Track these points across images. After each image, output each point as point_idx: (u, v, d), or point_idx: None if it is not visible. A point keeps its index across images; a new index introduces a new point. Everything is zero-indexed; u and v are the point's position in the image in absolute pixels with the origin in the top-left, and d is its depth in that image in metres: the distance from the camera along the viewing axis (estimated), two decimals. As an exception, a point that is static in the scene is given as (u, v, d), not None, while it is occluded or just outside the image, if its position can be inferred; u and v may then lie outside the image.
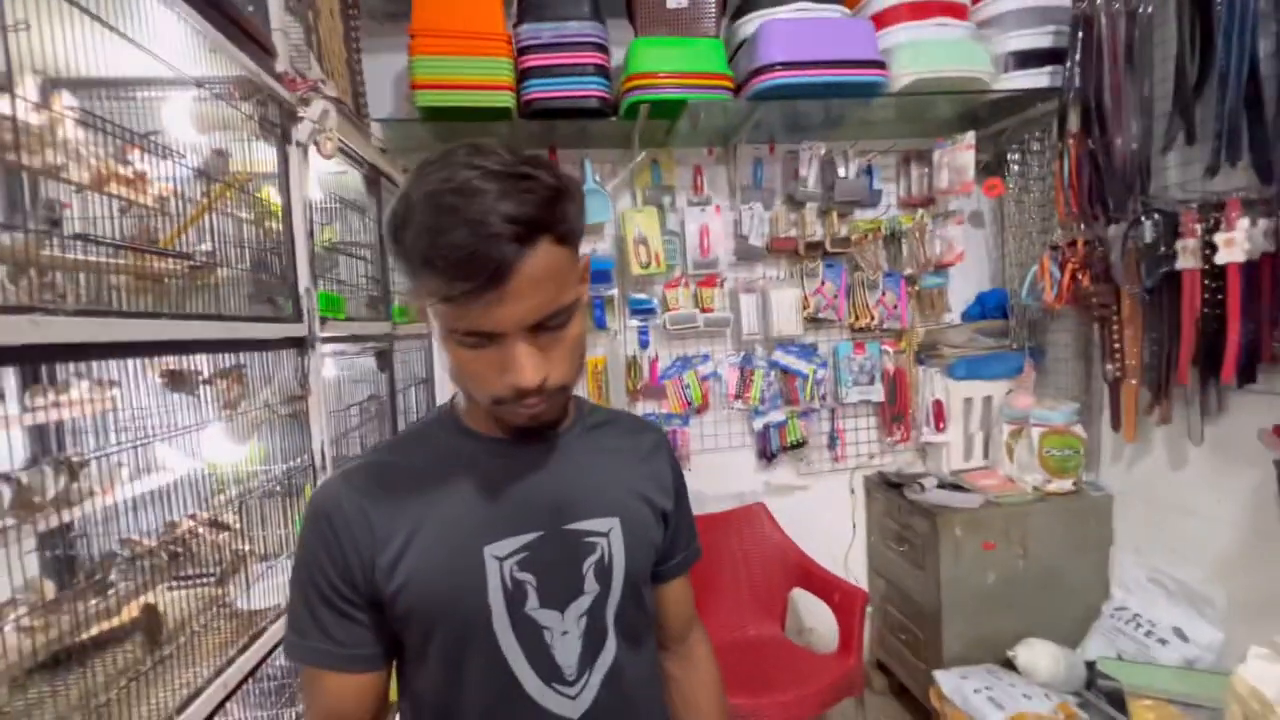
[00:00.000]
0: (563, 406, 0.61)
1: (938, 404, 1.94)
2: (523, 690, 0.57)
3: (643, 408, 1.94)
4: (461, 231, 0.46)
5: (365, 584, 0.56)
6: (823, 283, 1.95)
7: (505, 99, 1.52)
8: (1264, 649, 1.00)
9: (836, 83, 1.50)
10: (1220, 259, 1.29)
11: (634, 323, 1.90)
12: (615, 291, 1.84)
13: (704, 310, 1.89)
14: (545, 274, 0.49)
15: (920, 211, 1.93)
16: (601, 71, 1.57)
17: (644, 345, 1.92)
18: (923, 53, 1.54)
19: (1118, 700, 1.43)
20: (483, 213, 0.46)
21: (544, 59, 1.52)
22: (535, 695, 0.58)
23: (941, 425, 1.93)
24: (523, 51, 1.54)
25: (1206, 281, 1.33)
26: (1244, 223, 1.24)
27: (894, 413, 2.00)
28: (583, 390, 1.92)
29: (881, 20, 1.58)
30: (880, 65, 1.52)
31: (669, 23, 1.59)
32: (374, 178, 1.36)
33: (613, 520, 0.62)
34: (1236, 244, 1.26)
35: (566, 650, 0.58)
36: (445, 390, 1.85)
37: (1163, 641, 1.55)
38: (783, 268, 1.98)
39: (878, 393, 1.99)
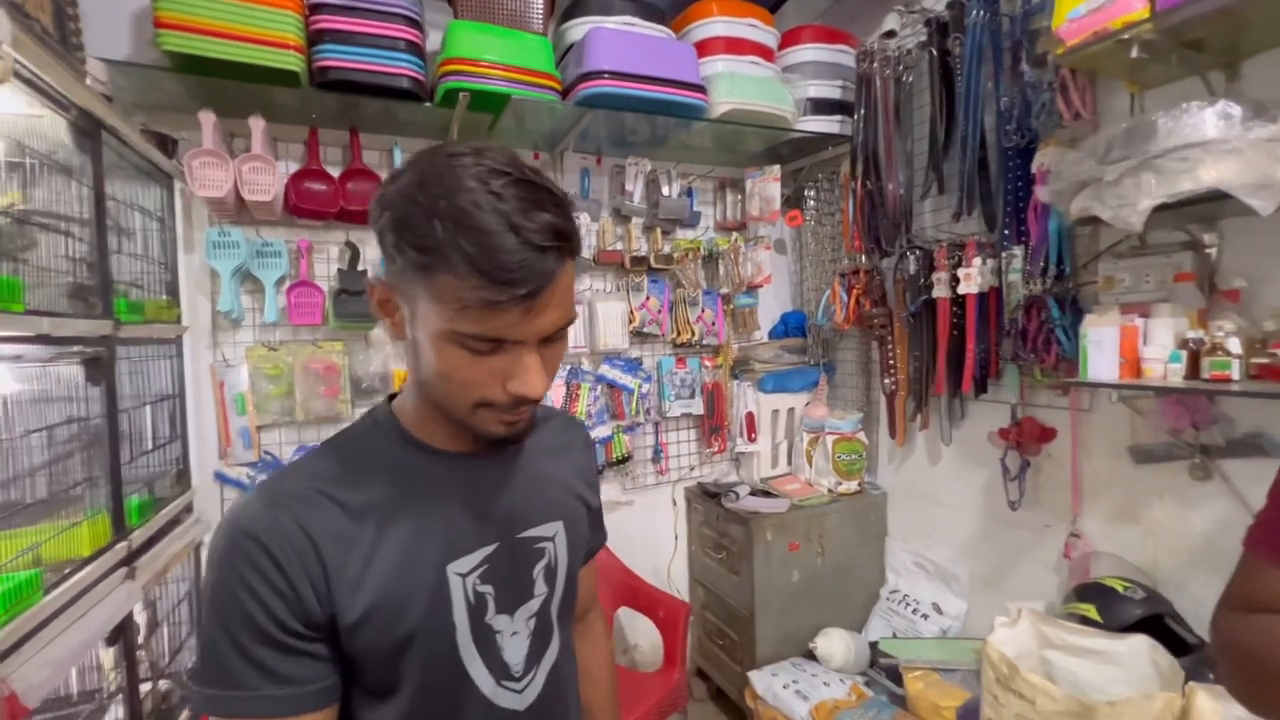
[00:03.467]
0: (531, 424, 0.60)
1: (749, 416, 2.06)
2: (478, 691, 0.58)
3: (459, 426, 1.76)
4: (510, 239, 0.46)
5: (320, 615, 0.51)
6: (647, 297, 1.98)
7: (292, 60, 1.28)
8: (1004, 618, 1.18)
9: (662, 100, 1.53)
10: (961, 290, 1.55)
11: (450, 332, 1.73)
12: (429, 297, 1.65)
13: (528, 321, 1.78)
14: (568, 289, 0.51)
15: (734, 235, 2.07)
16: (414, 50, 1.41)
17: (462, 357, 1.75)
18: (738, 85, 1.64)
19: (895, 675, 1.61)
20: (527, 222, 0.46)
21: (342, 23, 1.32)
22: (489, 695, 0.59)
23: (753, 436, 2.06)
24: (315, 10, 1.32)
25: (954, 308, 1.59)
26: (978, 261, 1.51)
27: (712, 425, 2.09)
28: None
29: (702, 49, 1.66)
30: (702, 90, 1.59)
31: (491, 12, 1.49)
32: (89, 129, 1.04)
33: (557, 524, 0.65)
34: (972, 278, 1.52)
35: (515, 649, 0.60)
36: (203, 407, 1.50)
37: (925, 616, 1.80)
38: (609, 281, 1.97)
39: (698, 406, 2.06)
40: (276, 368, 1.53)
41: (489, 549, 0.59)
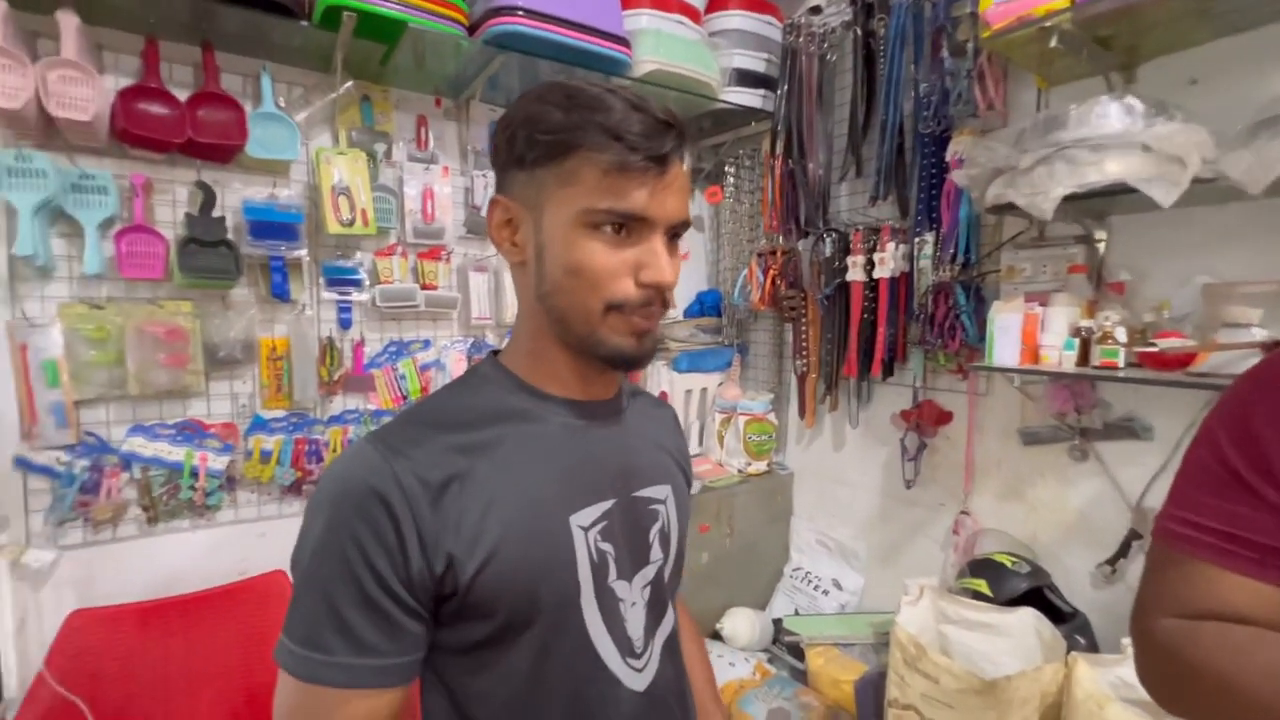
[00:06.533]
0: (656, 344, 0.56)
1: (663, 395, 2.01)
2: (606, 667, 0.55)
3: (344, 403, 1.56)
4: (637, 114, 0.49)
5: (425, 574, 0.48)
6: (560, 268, 1.85)
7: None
8: (908, 596, 1.21)
9: (581, 49, 1.39)
10: (875, 274, 1.56)
11: (331, 295, 1.51)
12: (304, 254, 1.42)
13: (426, 287, 1.60)
14: (685, 182, 0.54)
15: (653, 207, 1.98)
16: (287, -47, 1.17)
17: (345, 325, 1.54)
18: (664, 44, 1.54)
19: (797, 651, 1.64)
20: (648, 105, 0.50)
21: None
22: (616, 671, 0.55)
23: (666, 416, 2.01)
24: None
25: (867, 292, 1.60)
26: (892, 246, 1.53)
27: (624, 405, 2.01)
28: (255, 379, 1.45)
29: (625, 1, 1.53)
30: (625, 44, 1.47)
31: (386, -79, 1.28)
32: None
33: (667, 488, 0.63)
34: (886, 263, 1.54)
35: (635, 622, 0.57)
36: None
37: (825, 592, 1.85)
38: (519, 248, 1.81)
39: (610, 385, 1.98)
40: (101, 329, 1.26)
41: (607, 504, 0.56)
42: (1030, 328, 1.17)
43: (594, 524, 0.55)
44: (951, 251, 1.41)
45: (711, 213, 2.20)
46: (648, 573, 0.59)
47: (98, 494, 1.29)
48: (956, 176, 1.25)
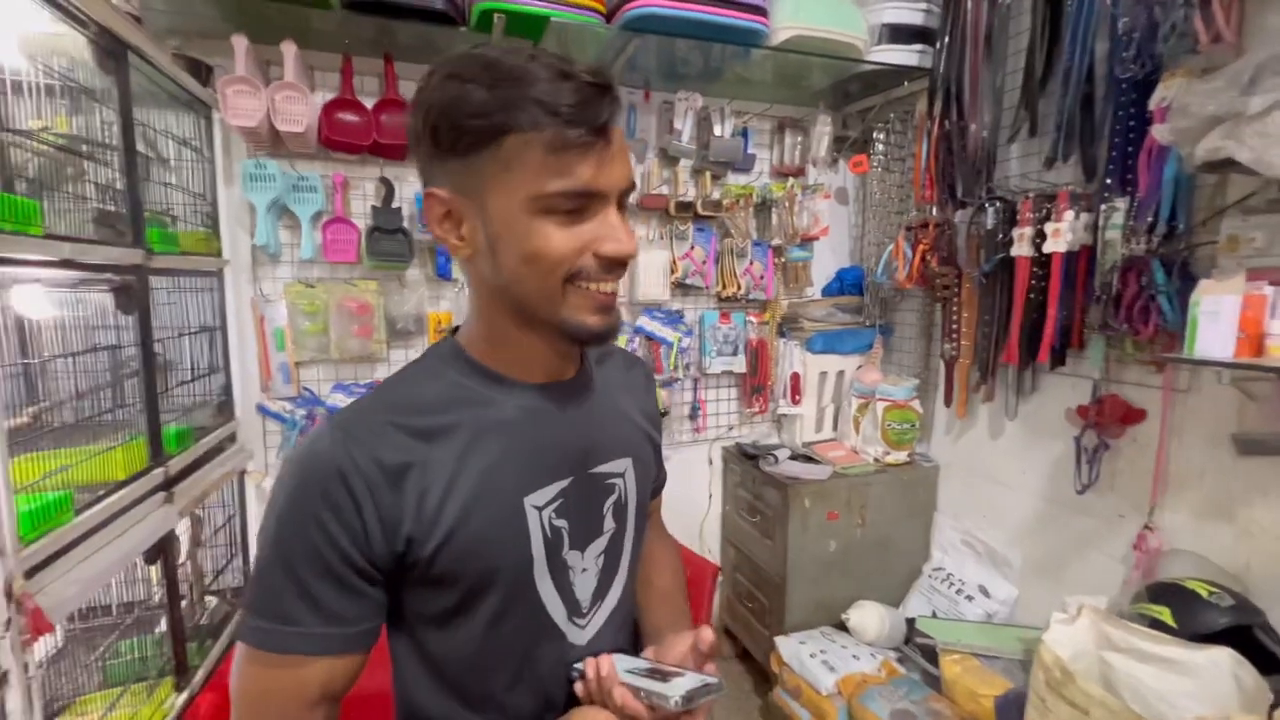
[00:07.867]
0: (619, 320, 0.56)
1: (795, 377, 1.95)
2: (555, 625, 0.59)
3: (493, 372, 1.74)
4: (568, 82, 0.46)
5: (384, 550, 0.51)
6: (692, 247, 1.86)
7: (319, -22, 1.20)
8: (1062, 614, 1.07)
9: (716, 23, 1.37)
10: (1047, 248, 1.36)
11: (485, 275, 1.68)
12: (463, 238, 1.60)
13: (565, 267, 1.71)
14: (624, 143, 0.52)
15: (791, 181, 1.90)
16: (448, -33, 1.30)
17: (497, 302, 1.71)
18: (804, 7, 1.46)
19: (931, 655, 1.53)
20: (575, 70, 0.47)
21: (371, -65, 1.22)
22: (563, 627, 0.59)
23: (797, 398, 1.96)
24: (343, -79, 1.23)
25: (1035, 269, 1.41)
26: (1070, 215, 1.32)
27: (754, 384, 1.99)
28: (425, 348, 1.67)
29: (765, -35, 1.47)
30: (762, 12, 1.42)
31: (533, -78, 1.36)
32: (113, 49, 1.00)
33: (626, 461, 0.64)
34: (1062, 235, 1.33)
35: (584, 586, 0.61)
36: (245, 341, 1.52)
37: (969, 598, 1.70)
38: (653, 227, 1.86)
39: (740, 364, 1.97)
40: (313, 305, 1.53)
41: (563, 483, 0.58)
42: (1254, 311, 0.95)
43: (549, 503, 0.57)
44: (1150, 220, 1.18)
45: (856, 184, 2.05)
46: (600, 543, 0.62)
47: (311, 438, 1.59)
48: (1159, 131, 1.04)
